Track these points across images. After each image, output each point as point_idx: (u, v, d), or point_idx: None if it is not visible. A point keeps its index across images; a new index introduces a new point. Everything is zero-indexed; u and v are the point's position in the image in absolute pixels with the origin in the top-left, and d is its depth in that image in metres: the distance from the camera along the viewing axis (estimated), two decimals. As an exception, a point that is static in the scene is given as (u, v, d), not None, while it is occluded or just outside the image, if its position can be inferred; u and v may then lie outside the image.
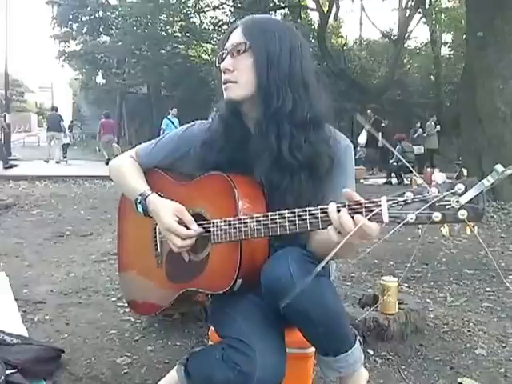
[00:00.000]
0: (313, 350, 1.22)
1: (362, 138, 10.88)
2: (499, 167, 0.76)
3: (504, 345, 1.92)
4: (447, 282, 2.82)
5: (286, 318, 1.04)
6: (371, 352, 1.78)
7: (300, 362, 1.26)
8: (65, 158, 12.96)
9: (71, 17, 17.80)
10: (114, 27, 18.55)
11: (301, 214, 0.94)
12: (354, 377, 1.11)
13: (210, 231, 1.09)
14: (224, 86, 1.14)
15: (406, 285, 2.71)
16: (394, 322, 1.83)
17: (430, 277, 2.92)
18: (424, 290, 2.65)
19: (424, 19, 17.64)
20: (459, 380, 1.63)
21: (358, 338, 1.13)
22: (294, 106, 1.09)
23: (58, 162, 12.07)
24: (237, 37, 1.13)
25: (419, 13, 16.97)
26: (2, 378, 1.39)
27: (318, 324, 0.99)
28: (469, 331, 2.04)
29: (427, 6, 16.54)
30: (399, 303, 1.89)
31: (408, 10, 17.03)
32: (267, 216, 0.98)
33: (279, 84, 1.09)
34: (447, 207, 0.78)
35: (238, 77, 1.12)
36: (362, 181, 9.14)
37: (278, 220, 0.97)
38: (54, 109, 13.64)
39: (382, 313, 1.84)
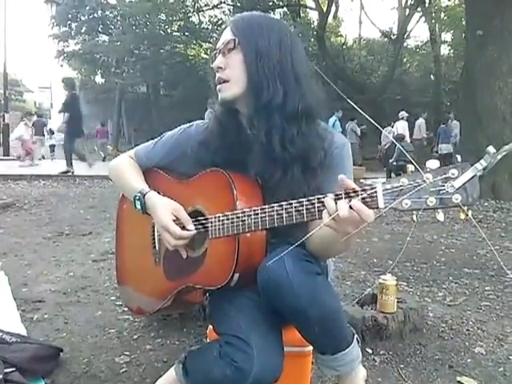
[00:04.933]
0: (311, 348, 1.22)
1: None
2: (491, 149, 0.76)
3: (503, 344, 1.92)
4: (446, 280, 2.82)
5: (283, 316, 1.04)
6: (370, 351, 1.78)
7: (298, 361, 1.26)
8: (53, 155, 15.40)
9: (70, 16, 17.80)
10: (112, 27, 18.57)
11: (297, 205, 0.93)
12: (351, 375, 1.12)
13: (207, 227, 1.09)
14: (218, 87, 1.15)
15: (405, 284, 2.71)
16: (393, 321, 1.82)
17: (429, 276, 2.92)
18: (423, 288, 2.65)
19: (424, 18, 17.65)
20: (458, 379, 1.63)
21: (356, 336, 1.13)
22: (284, 98, 1.09)
23: (42, 158, 14.10)
24: (226, 35, 1.14)
25: (419, 11, 16.98)
26: (1, 376, 1.39)
27: (315, 322, 0.99)
28: (468, 330, 2.04)
29: (427, 5, 16.55)
30: (398, 302, 1.89)
31: (407, 9, 17.03)
32: (264, 208, 0.99)
33: (269, 77, 1.09)
34: (442, 192, 0.79)
35: (229, 74, 1.13)
36: (361, 180, 9.14)
37: (274, 212, 0.97)
38: (39, 115, 16.08)
39: (381, 312, 1.84)
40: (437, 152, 11.60)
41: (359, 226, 0.87)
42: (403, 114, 11.61)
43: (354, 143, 12.64)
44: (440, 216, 0.81)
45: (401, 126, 11.39)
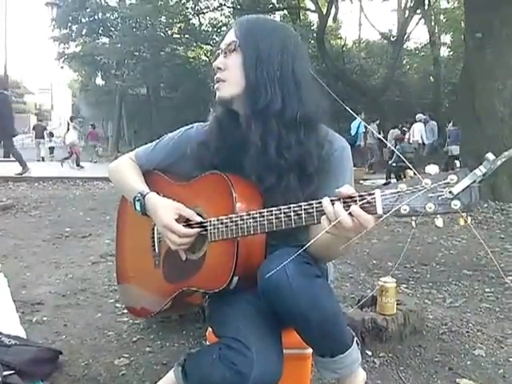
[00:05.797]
0: (310, 350, 1.21)
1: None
2: (490, 156, 0.76)
3: (502, 346, 1.92)
4: (446, 282, 2.81)
5: (282, 319, 1.04)
6: (369, 353, 1.78)
7: (298, 363, 1.25)
8: (52, 156, 16.32)
9: (71, 18, 17.84)
10: (113, 29, 18.62)
11: (296, 208, 0.94)
12: (351, 378, 1.11)
13: (206, 230, 1.09)
14: (216, 86, 1.16)
15: (405, 285, 2.70)
16: (393, 323, 1.82)
17: (429, 278, 2.92)
18: (423, 290, 2.65)
19: (423, 20, 17.69)
20: (458, 381, 1.63)
21: (356, 339, 1.12)
22: (283, 105, 1.09)
23: (43, 160, 15.15)
24: (229, 36, 1.15)
25: (418, 14, 17.01)
26: (0, 379, 1.38)
27: (315, 325, 0.98)
28: (467, 332, 2.04)
29: (426, 7, 16.57)
30: (398, 304, 1.89)
31: (407, 11, 17.05)
32: (263, 212, 0.99)
33: (267, 81, 1.09)
34: (440, 198, 0.79)
35: (227, 75, 1.13)
36: (361, 181, 9.12)
37: (273, 216, 0.97)
38: (39, 120, 17.79)
39: (381, 314, 1.84)
40: (446, 153, 11.46)
41: (359, 231, 0.87)
42: (420, 116, 11.48)
43: (373, 144, 12.67)
44: (439, 222, 0.80)
45: (417, 129, 11.29)
